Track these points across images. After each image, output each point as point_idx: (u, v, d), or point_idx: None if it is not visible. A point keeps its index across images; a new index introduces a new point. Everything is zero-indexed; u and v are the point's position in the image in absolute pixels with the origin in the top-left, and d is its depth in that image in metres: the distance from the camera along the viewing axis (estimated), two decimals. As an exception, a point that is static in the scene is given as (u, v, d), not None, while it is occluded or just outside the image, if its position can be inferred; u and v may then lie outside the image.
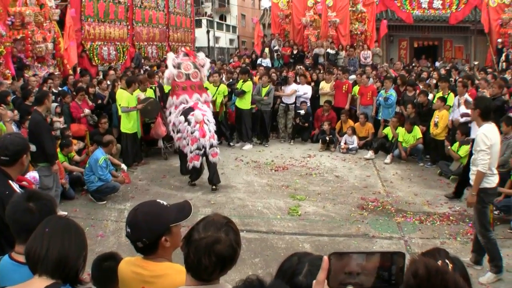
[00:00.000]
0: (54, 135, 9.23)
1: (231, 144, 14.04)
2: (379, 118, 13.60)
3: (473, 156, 6.18)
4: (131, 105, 11.17)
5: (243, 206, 8.98)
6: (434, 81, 14.63)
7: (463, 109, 10.14)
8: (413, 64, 22.84)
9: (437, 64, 23.98)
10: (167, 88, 11.71)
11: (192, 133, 9.49)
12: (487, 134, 5.90)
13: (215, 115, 11.71)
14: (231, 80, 15.73)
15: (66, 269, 2.26)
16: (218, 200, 9.31)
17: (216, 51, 35.04)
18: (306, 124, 14.34)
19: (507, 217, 7.97)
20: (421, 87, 13.21)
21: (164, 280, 2.61)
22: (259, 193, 9.75)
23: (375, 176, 11.08)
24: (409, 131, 12.05)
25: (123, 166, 10.15)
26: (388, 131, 12.80)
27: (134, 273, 2.69)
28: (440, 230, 7.83)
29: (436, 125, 11.45)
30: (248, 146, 13.70)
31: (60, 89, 12.27)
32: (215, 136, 9.91)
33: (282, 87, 14.67)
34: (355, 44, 22.67)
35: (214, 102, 12.19)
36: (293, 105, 14.38)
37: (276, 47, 22.48)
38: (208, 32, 33.95)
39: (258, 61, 21.02)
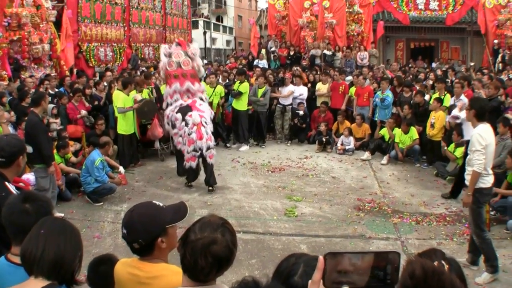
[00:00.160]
0: (51, 137, 9.22)
1: (228, 145, 14.04)
2: (376, 119, 13.62)
3: (468, 157, 6.19)
4: (127, 106, 11.17)
5: (240, 207, 8.98)
6: (431, 82, 14.66)
7: (455, 111, 10.15)
8: (410, 65, 22.86)
9: (434, 65, 24.04)
10: (163, 89, 11.70)
11: (189, 134, 9.48)
12: (482, 135, 5.92)
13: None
14: (227, 81, 15.72)
15: (62, 270, 2.26)
16: (215, 201, 9.31)
17: (212, 52, 35.07)
18: (304, 125, 14.35)
19: (503, 218, 7.98)
20: (417, 88, 13.23)
21: (160, 281, 2.61)
22: (255, 194, 9.75)
23: (371, 177, 11.09)
24: (406, 132, 12.07)
25: (121, 168, 10.14)
26: (384, 132, 12.81)
27: (130, 274, 2.69)
28: (437, 230, 7.84)
29: (432, 126, 11.46)
30: (244, 147, 13.69)
31: (56, 90, 12.27)
32: (212, 138, 9.91)
33: (279, 88, 14.67)
34: (351, 45, 22.71)
35: (211, 104, 12.16)
36: (290, 106, 14.39)
37: (273, 48, 22.50)
38: (204, 33, 33.96)
39: (255, 62, 20.98)
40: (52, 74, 13.43)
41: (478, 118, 6.07)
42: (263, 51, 22.23)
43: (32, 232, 2.35)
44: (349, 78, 16.17)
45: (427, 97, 12.61)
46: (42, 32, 13.41)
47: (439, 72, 17.71)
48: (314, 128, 14.41)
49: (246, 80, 13.80)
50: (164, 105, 10.61)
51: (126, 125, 11.30)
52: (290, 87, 14.39)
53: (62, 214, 7.86)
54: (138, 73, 15.78)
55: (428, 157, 11.96)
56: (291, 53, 22.25)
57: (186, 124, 9.53)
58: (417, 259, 1.63)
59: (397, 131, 12.27)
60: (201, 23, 36.39)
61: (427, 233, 7.73)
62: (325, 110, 14.33)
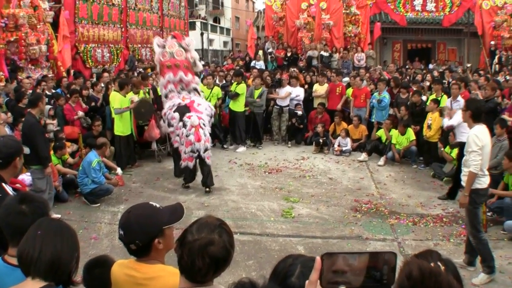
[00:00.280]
0: (48, 138, 9.21)
1: (225, 146, 14.05)
2: (373, 120, 13.64)
3: (464, 157, 6.21)
4: (124, 106, 11.17)
5: (237, 209, 8.98)
6: (428, 83, 14.69)
7: (446, 121, 10.17)
8: (407, 67, 22.88)
9: (431, 66, 24.05)
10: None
11: (187, 136, 9.49)
12: (478, 135, 5.95)
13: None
14: (224, 82, 15.72)
15: (59, 271, 2.26)
16: (212, 203, 9.31)
17: (210, 54, 35.02)
18: (301, 126, 14.36)
19: (500, 219, 8.00)
20: (414, 89, 13.23)
21: (156, 282, 2.61)
22: (252, 195, 9.75)
23: (368, 178, 11.10)
24: (403, 133, 12.09)
25: (118, 170, 10.13)
26: (381, 133, 12.83)
27: (127, 276, 2.69)
28: (434, 231, 7.85)
29: (429, 127, 11.47)
30: (241, 149, 13.70)
31: (53, 91, 12.25)
32: (210, 139, 9.91)
33: (276, 90, 14.68)
34: (348, 47, 22.74)
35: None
36: (287, 108, 14.39)
37: (270, 50, 22.50)
38: (202, 34, 33.93)
39: (252, 64, 21.02)
40: (49, 75, 13.42)
41: (474, 119, 6.10)
42: (260, 52, 22.26)
43: (29, 233, 2.34)
44: (346, 79, 16.18)
45: (424, 98, 12.63)
46: (39, 33, 13.38)
47: (435, 74, 17.72)
48: (311, 129, 14.42)
49: (243, 82, 13.80)
50: (162, 95, 10.59)
51: (123, 126, 11.29)
52: (287, 88, 14.39)
53: (59, 215, 7.84)
54: (135, 74, 15.77)
55: (425, 158, 11.98)
56: (288, 54, 22.28)
57: (184, 126, 9.53)
58: (414, 260, 1.63)
59: (394, 132, 12.29)
60: (198, 24, 36.36)
61: (424, 234, 7.74)
62: (322, 111, 14.33)
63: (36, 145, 7.66)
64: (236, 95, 13.30)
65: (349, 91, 14.58)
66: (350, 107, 14.50)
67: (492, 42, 23.02)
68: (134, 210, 2.71)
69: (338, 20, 23.11)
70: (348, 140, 13.36)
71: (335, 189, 10.20)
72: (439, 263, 2.05)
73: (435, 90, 12.27)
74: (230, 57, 25.39)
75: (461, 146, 9.23)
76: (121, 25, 19.08)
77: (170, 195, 9.75)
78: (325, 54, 21.03)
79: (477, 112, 6.10)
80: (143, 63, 19.68)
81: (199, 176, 10.06)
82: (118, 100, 11.14)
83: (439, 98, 11.68)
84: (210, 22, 40.35)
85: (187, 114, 9.59)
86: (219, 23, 44.71)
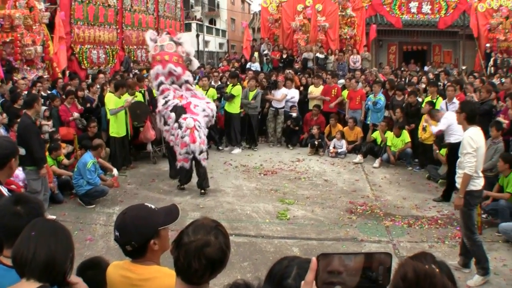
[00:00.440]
0: (43, 139, 9.19)
1: (220, 148, 14.04)
2: (368, 122, 13.67)
3: (459, 159, 6.24)
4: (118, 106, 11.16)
5: (232, 210, 8.98)
6: (423, 86, 14.73)
7: (433, 129, 10.21)
8: (402, 69, 22.91)
9: (426, 68, 24.10)
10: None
11: (182, 137, 9.48)
12: (473, 137, 5.98)
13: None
14: (219, 83, 15.70)
15: (54, 272, 2.26)
16: (207, 204, 9.30)
17: (205, 55, 35.03)
18: (297, 127, 14.37)
19: (494, 221, 8.02)
20: (409, 90, 13.25)
21: (152, 283, 2.61)
22: (248, 197, 9.75)
23: (363, 180, 11.11)
24: (398, 135, 12.12)
25: (115, 171, 10.13)
26: (377, 135, 12.85)
27: (122, 277, 2.69)
28: (429, 233, 7.87)
29: (424, 129, 11.49)
30: (237, 150, 13.70)
31: (49, 92, 12.23)
32: (205, 141, 9.89)
33: (272, 91, 14.69)
34: (344, 49, 22.74)
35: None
36: (283, 110, 14.40)
37: (266, 51, 22.48)
38: (197, 36, 33.90)
39: (247, 65, 21.02)
40: (45, 76, 13.39)
41: (468, 121, 6.13)
42: (256, 54, 22.24)
43: (23, 234, 2.34)
44: (342, 81, 16.23)
45: (419, 100, 12.65)
46: (34, 34, 13.35)
47: (431, 76, 17.76)
48: (307, 131, 14.44)
49: (238, 83, 13.81)
50: (154, 87, 10.57)
51: (118, 128, 11.29)
52: (283, 90, 14.41)
53: (54, 217, 7.83)
54: (131, 75, 15.75)
55: (420, 160, 12.00)
56: (284, 56, 22.25)
57: (180, 127, 9.51)
58: (409, 262, 1.64)
59: (389, 135, 12.32)
60: (194, 25, 36.32)
61: (419, 236, 7.75)
62: (317, 113, 14.35)
63: (31, 146, 7.65)
64: (231, 97, 13.30)
65: (345, 93, 14.62)
66: (346, 109, 14.53)
67: (488, 45, 23.09)
68: (129, 211, 2.71)
69: (333, 22, 23.14)
70: (344, 142, 13.38)
71: (330, 191, 10.21)
72: (433, 266, 2.06)
73: (430, 92, 12.29)
74: (225, 59, 25.36)
75: (450, 146, 9.30)
76: (117, 26, 19.03)
77: (166, 196, 9.74)
78: (321, 56, 21.05)
79: (472, 114, 6.14)
80: (138, 65, 19.66)
81: (194, 178, 10.05)
82: (113, 101, 11.14)
83: (434, 101, 11.71)
84: (206, 23, 40.41)
85: (183, 116, 9.58)
86: (215, 24, 44.71)
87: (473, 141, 5.95)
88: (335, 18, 23.24)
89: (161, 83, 10.04)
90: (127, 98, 11.45)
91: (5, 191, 3.66)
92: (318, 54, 21.05)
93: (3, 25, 12.59)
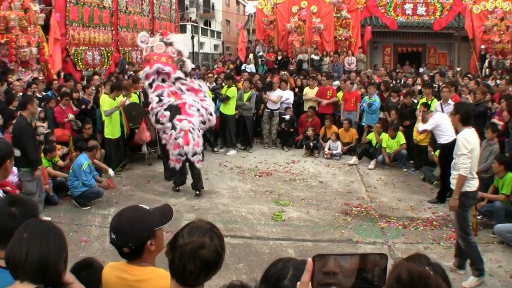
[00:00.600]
0: (38, 140, 9.17)
1: (215, 149, 14.04)
2: (363, 124, 13.68)
3: (454, 161, 6.25)
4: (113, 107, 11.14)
5: (227, 212, 8.98)
6: (419, 87, 14.76)
7: (420, 126, 10.25)
8: (397, 70, 22.92)
9: (421, 70, 24.14)
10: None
11: (176, 139, 9.45)
12: (467, 138, 6.00)
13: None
14: (214, 85, 15.68)
15: (48, 272, 2.25)
16: (202, 206, 9.30)
17: (200, 57, 35.01)
18: (292, 129, 14.37)
19: (490, 222, 8.04)
20: (404, 92, 13.28)
21: (148, 284, 2.62)
22: (243, 199, 9.75)
23: (358, 182, 11.12)
24: (393, 137, 12.14)
25: (110, 171, 10.12)
26: (372, 137, 12.86)
27: (118, 278, 2.69)
28: (424, 235, 7.88)
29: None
30: (232, 152, 13.69)
31: (44, 94, 12.20)
32: (200, 143, 9.86)
33: (267, 93, 14.69)
34: (339, 50, 22.73)
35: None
36: (278, 111, 14.41)
37: (261, 53, 22.47)
38: (192, 37, 33.86)
39: (242, 67, 20.98)
40: (40, 78, 13.32)
41: (463, 123, 6.15)
42: (251, 55, 22.23)
43: (16, 236, 2.33)
44: (337, 83, 16.23)
45: (414, 101, 12.68)
46: (29, 36, 13.31)
47: (426, 77, 17.79)
48: (302, 132, 14.44)
49: (234, 85, 13.81)
50: (145, 87, 10.54)
51: (112, 129, 11.26)
52: (278, 92, 14.41)
53: (49, 218, 7.81)
54: (126, 77, 15.73)
55: (415, 162, 12.02)
56: (279, 57, 22.25)
57: (174, 128, 9.48)
58: (403, 263, 1.64)
59: (384, 136, 12.34)
60: (189, 27, 36.29)
61: (414, 238, 7.77)
62: (312, 115, 14.36)
63: (26, 148, 7.64)
64: (227, 98, 13.29)
65: (340, 94, 14.63)
66: (341, 110, 14.55)
67: (483, 46, 23.12)
68: (125, 213, 2.71)
69: (328, 24, 23.14)
70: (339, 143, 13.39)
71: (325, 193, 10.22)
72: (427, 268, 2.06)
73: (425, 94, 12.33)
74: (220, 60, 25.33)
75: (441, 147, 9.35)
76: (112, 28, 18.98)
77: (161, 198, 9.72)
78: (316, 57, 21.05)
79: (466, 116, 6.16)
80: (133, 66, 19.59)
81: (189, 179, 10.05)
82: (107, 103, 11.11)
83: (429, 102, 11.74)
84: (201, 25, 40.36)
85: (178, 117, 9.51)
86: (210, 26, 44.70)
87: (467, 142, 5.97)
88: (330, 20, 23.25)
89: (153, 81, 10.00)
90: (122, 99, 11.43)
91: (0, 192, 3.65)
92: (313, 56, 21.06)
93: (-2, 26, 12.56)
